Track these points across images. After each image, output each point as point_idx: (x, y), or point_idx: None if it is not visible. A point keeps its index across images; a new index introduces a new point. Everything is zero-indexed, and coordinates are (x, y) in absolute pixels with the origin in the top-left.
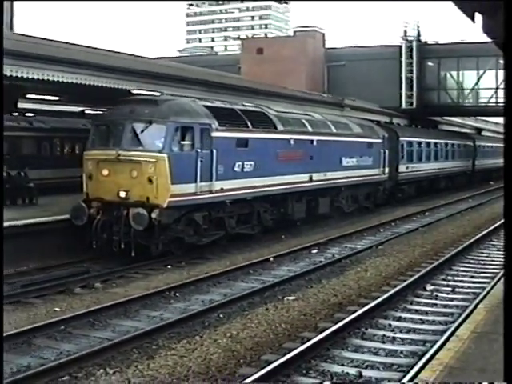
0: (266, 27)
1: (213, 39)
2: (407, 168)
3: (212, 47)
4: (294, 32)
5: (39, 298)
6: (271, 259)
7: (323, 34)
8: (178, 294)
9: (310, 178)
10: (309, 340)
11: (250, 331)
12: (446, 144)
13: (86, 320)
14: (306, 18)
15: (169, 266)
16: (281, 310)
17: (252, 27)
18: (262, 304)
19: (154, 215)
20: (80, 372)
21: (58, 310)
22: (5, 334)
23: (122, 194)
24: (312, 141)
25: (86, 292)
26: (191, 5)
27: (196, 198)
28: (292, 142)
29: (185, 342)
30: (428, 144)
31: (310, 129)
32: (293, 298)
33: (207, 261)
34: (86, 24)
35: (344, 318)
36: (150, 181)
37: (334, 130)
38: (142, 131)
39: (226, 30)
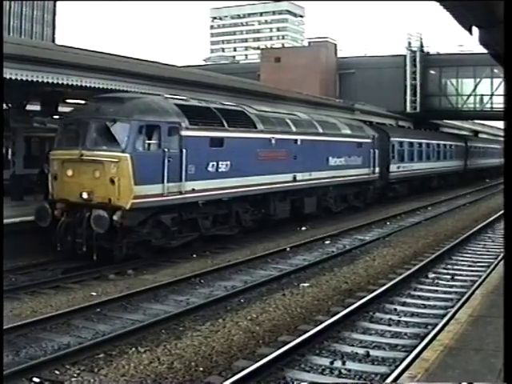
0: (283, 38)
1: (235, 49)
2: (398, 167)
3: (234, 56)
4: (309, 42)
5: (77, 284)
6: (288, 249)
7: (335, 45)
8: (202, 281)
9: (294, 177)
10: (322, 323)
11: (268, 315)
12: (438, 144)
13: (119, 303)
14: (319, 30)
15: (194, 255)
16: (296, 295)
17: (270, 38)
18: (279, 290)
19: (115, 217)
20: (114, 350)
21: (94, 294)
22: (47, 316)
23: (85, 195)
24: (296, 140)
25: (120, 278)
26: (215, 18)
27: (163, 199)
28: (273, 141)
29: (209, 324)
30: (420, 144)
31: (293, 128)
32: (307, 284)
33: (229, 250)
34: (121, 35)
35: (354, 303)
36: (113, 181)
37: (321, 130)
38: (106, 130)
39: (246, 40)
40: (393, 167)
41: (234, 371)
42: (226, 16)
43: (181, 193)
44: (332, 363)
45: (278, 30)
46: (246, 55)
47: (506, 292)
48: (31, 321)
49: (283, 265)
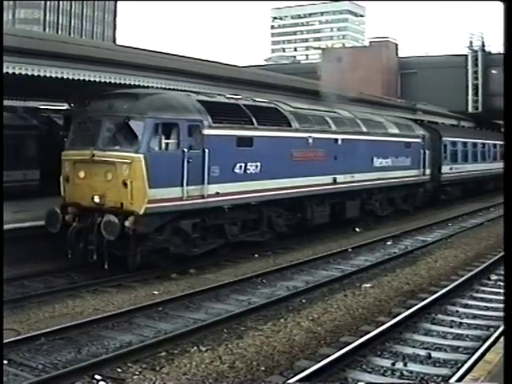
0: (344, 38)
1: (295, 49)
2: (451, 169)
3: (295, 56)
4: (370, 42)
5: (139, 282)
6: (350, 250)
7: (396, 44)
8: (264, 281)
9: (334, 179)
10: (383, 324)
11: (329, 315)
12: (495, 145)
13: (181, 302)
14: (379, 30)
15: (256, 255)
16: (358, 296)
17: (331, 38)
18: (340, 290)
19: (127, 223)
20: (176, 349)
21: (156, 292)
22: (109, 314)
23: (97, 199)
24: (336, 140)
25: (181, 277)
26: (275, 18)
27: (182, 203)
28: (310, 140)
29: (271, 324)
30: (474, 144)
31: (333, 127)
32: (369, 285)
33: (292, 250)
34: (182, 36)
35: (415, 305)
36: (125, 184)
37: (365, 129)
38: (120, 129)
39: (307, 40)
40: (445, 168)
41: (295, 371)
42: (287, 16)
43: (203, 197)
44: (393, 364)
45: (339, 29)
46: (307, 55)
47: (506, 292)
48: (93, 319)
49: (345, 265)
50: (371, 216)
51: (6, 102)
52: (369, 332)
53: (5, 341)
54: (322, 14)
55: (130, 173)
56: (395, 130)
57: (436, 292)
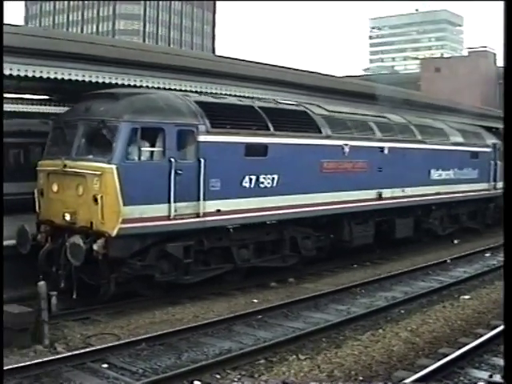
0: (442, 48)
1: (393, 59)
2: None
3: (393, 66)
4: (468, 52)
5: (239, 290)
6: (448, 261)
7: (494, 54)
8: (363, 291)
9: (379, 194)
10: (482, 336)
11: (428, 326)
12: None
13: (280, 311)
14: (478, 40)
15: (355, 265)
16: (457, 307)
17: (429, 48)
18: (439, 302)
19: (95, 247)
20: (274, 357)
21: (255, 301)
22: (209, 321)
23: (67, 217)
24: (382, 148)
25: (281, 286)
26: (373, 28)
27: (169, 223)
28: (346, 149)
29: (369, 334)
30: None
31: (378, 134)
32: (468, 297)
33: (390, 261)
34: (280, 46)
35: None
36: (96, 200)
37: (420, 137)
38: (95, 135)
39: (405, 50)
40: None
41: (393, 381)
42: (385, 26)
43: (197, 215)
44: (491, 377)
45: (437, 39)
46: (405, 65)
47: (506, 292)
48: (193, 325)
49: (443, 276)
50: (429, 235)
51: None
52: (467, 344)
53: (105, 345)
54: (419, 23)
55: (101, 187)
56: (459, 139)
57: None
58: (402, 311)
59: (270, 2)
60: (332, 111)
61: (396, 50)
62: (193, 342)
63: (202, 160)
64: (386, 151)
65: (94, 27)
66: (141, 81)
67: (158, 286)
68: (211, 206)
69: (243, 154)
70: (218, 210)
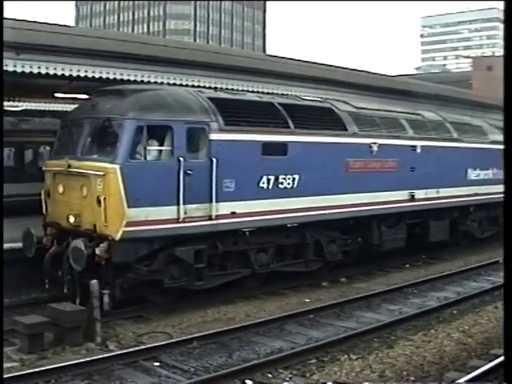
0: (494, 46)
1: (445, 57)
2: None
3: (444, 65)
4: None
5: (291, 290)
6: (500, 261)
7: None
8: (415, 291)
9: (411, 195)
10: None
11: (480, 327)
12: None
13: (332, 310)
14: None
15: (407, 265)
16: None
17: (481, 46)
18: (491, 302)
19: (98, 251)
20: (326, 356)
21: (307, 300)
22: (260, 320)
23: (72, 219)
24: (414, 147)
25: (333, 285)
26: (425, 26)
27: (178, 226)
28: (375, 148)
29: (421, 334)
30: None
31: (410, 132)
32: None
33: (443, 261)
34: (332, 45)
35: None
36: (99, 202)
37: (455, 135)
38: (100, 133)
39: (456, 49)
40: None
41: (445, 382)
42: (436, 24)
43: (210, 218)
44: None
45: (488, 37)
46: (457, 64)
47: (505, 293)
48: (245, 324)
49: (495, 277)
50: (466, 239)
51: None
52: None
53: (157, 343)
54: (470, 22)
55: (104, 188)
56: (498, 137)
57: None
58: (454, 311)
59: (321, 1)
60: (359, 108)
61: (447, 49)
62: (244, 341)
63: (215, 159)
64: (418, 150)
65: (145, 27)
66: (192, 80)
67: (166, 291)
68: (225, 207)
69: (260, 152)
70: (233, 213)
